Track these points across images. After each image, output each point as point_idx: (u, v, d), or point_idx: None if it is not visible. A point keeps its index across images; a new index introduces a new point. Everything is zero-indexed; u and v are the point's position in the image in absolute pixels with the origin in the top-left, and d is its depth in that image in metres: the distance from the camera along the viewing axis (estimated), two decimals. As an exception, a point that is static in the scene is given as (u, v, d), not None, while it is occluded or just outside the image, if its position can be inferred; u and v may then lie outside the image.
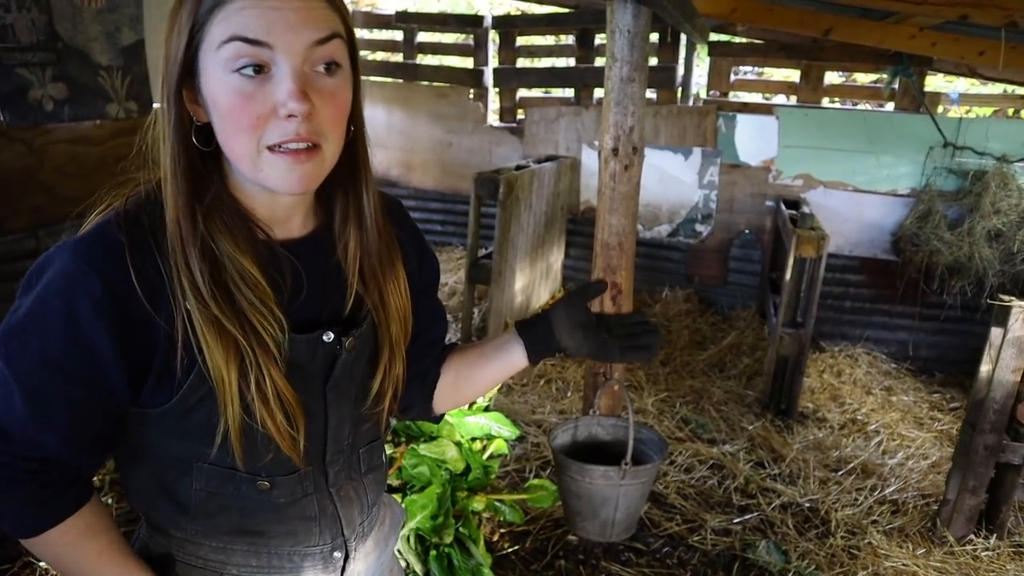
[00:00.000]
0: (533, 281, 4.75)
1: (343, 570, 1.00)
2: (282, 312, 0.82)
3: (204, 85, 0.76)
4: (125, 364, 0.77)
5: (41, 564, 2.23)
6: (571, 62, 5.97)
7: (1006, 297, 2.53)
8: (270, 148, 0.76)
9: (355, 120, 0.86)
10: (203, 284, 0.77)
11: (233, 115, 0.75)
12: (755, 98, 7.22)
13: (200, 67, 0.76)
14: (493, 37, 6.06)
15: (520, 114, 6.06)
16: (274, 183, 0.78)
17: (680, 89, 5.50)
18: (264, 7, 0.72)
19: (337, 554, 0.98)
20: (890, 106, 5.39)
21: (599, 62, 5.73)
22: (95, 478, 0.92)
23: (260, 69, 0.74)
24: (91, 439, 0.82)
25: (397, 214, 1.03)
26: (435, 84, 6.20)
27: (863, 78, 6.16)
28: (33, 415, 0.77)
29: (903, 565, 2.55)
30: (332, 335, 0.88)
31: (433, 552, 2.01)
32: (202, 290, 0.77)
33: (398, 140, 5.94)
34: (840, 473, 3.18)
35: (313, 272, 0.89)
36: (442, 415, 1.17)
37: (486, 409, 2.38)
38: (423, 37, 6.54)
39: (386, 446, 2.08)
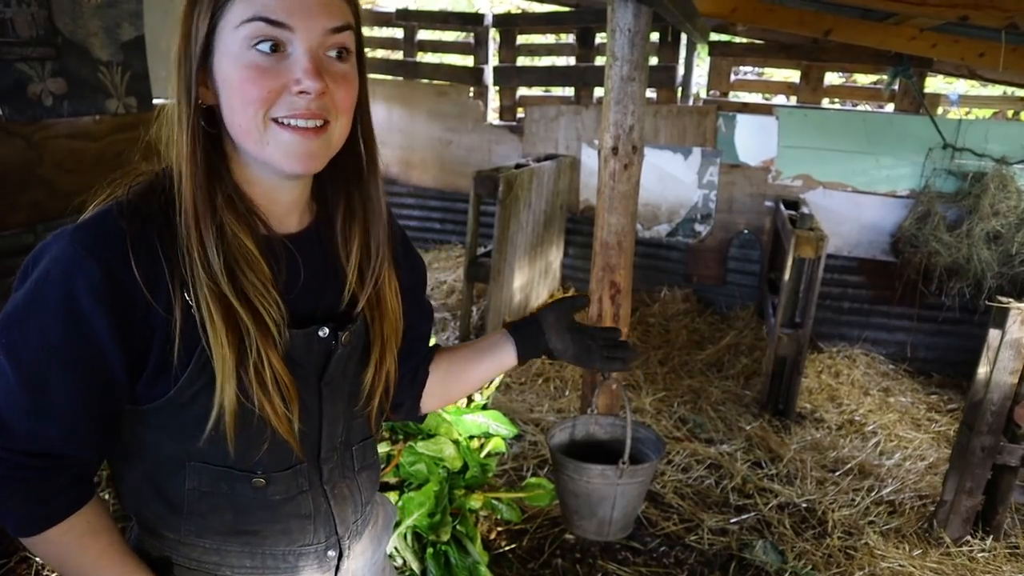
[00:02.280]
0: (532, 280, 4.75)
1: (337, 568, 1.00)
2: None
3: (217, 63, 0.78)
4: (124, 351, 0.77)
5: (38, 560, 2.23)
6: (571, 61, 5.97)
7: (1004, 299, 2.53)
8: (276, 120, 0.78)
9: (361, 115, 0.89)
10: (216, 263, 0.78)
11: (244, 87, 0.77)
12: (755, 98, 7.21)
13: (215, 46, 0.78)
14: (493, 35, 6.06)
15: (520, 112, 6.06)
16: (279, 159, 0.80)
17: (680, 89, 5.51)
18: None
19: (331, 552, 0.98)
20: (890, 107, 5.40)
21: (599, 61, 5.73)
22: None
23: (276, 48, 0.77)
24: (91, 433, 0.81)
25: None
26: (435, 82, 6.20)
27: (863, 79, 6.17)
28: (34, 406, 0.76)
29: (899, 566, 2.56)
30: (328, 330, 0.89)
31: (430, 550, 2.01)
32: (215, 268, 0.78)
33: (398, 138, 5.94)
34: (837, 474, 3.18)
35: (309, 267, 0.89)
36: (426, 414, 1.19)
37: (484, 407, 2.38)
38: (423, 35, 6.53)
39: (384, 444, 2.08)
